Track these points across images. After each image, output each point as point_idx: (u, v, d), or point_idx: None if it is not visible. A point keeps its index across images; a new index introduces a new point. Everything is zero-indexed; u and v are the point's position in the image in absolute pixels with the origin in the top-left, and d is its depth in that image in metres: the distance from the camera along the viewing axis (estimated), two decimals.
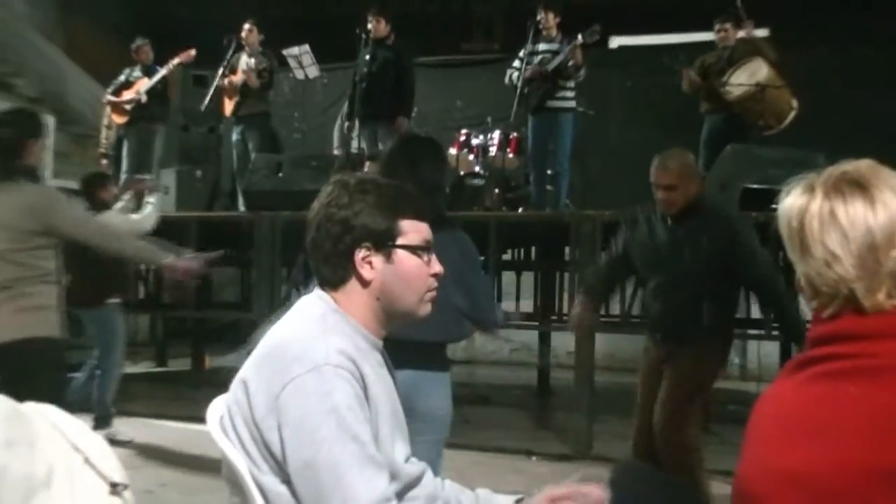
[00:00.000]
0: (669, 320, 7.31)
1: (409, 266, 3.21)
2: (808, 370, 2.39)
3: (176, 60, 15.04)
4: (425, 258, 3.23)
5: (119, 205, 11.14)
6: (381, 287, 3.22)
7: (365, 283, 3.22)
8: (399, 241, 3.20)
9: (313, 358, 3.02)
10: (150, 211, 10.91)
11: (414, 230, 3.22)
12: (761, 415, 2.46)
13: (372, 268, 3.20)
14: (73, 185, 16.92)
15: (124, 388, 11.26)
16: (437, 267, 3.25)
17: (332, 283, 3.26)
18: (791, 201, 2.40)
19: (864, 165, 2.40)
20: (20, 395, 6.27)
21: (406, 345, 3.98)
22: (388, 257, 3.20)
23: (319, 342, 3.07)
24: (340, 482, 2.91)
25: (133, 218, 10.89)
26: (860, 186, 2.35)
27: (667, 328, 7.37)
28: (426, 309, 3.28)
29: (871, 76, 14.79)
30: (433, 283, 3.25)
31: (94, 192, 10.97)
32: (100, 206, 10.73)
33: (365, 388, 3.07)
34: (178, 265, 7.15)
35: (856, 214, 2.32)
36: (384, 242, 3.20)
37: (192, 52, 15.12)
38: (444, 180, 6.64)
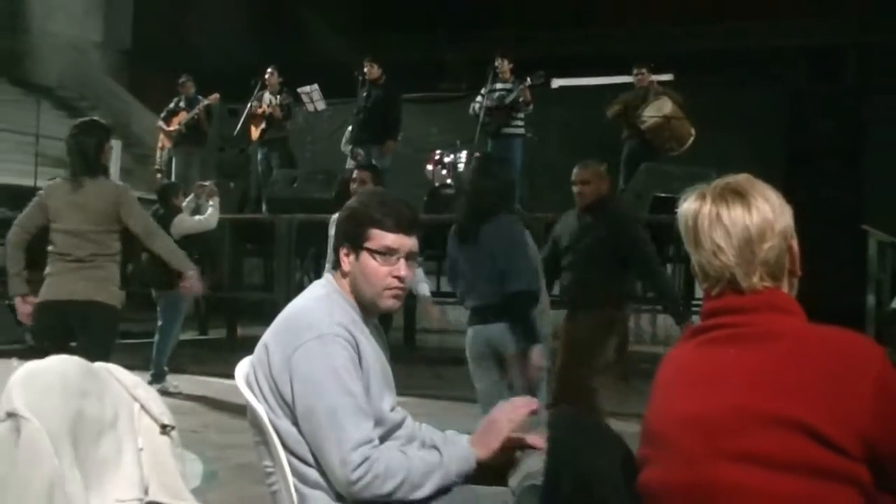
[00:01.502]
0: (573, 292, 7.38)
1: (368, 266, 3.22)
2: (701, 336, 2.41)
3: (205, 102, 15.12)
4: (385, 261, 3.22)
5: (187, 206, 11.16)
6: (352, 279, 3.26)
7: (345, 274, 3.28)
8: (365, 245, 3.22)
9: (318, 328, 3.09)
10: (212, 212, 10.95)
11: (378, 238, 3.21)
12: (664, 371, 2.48)
13: (348, 263, 3.25)
14: (139, 194, 17.02)
15: (175, 351, 11.25)
16: (401, 271, 3.23)
17: (335, 268, 3.32)
18: (687, 206, 2.41)
19: (742, 178, 2.42)
20: (80, 345, 6.33)
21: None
22: (357, 257, 3.23)
23: (324, 316, 3.15)
24: (336, 425, 2.97)
25: (199, 218, 10.95)
26: (740, 195, 2.36)
27: (571, 298, 7.44)
28: (388, 303, 3.27)
29: (748, 111, 14.89)
30: (393, 282, 3.22)
31: (168, 199, 11.08)
32: (172, 209, 10.84)
33: (358, 353, 3.12)
34: (187, 281, 7.35)
35: (736, 216, 2.33)
36: (355, 245, 3.23)
37: (217, 95, 15.27)
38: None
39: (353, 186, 8.12)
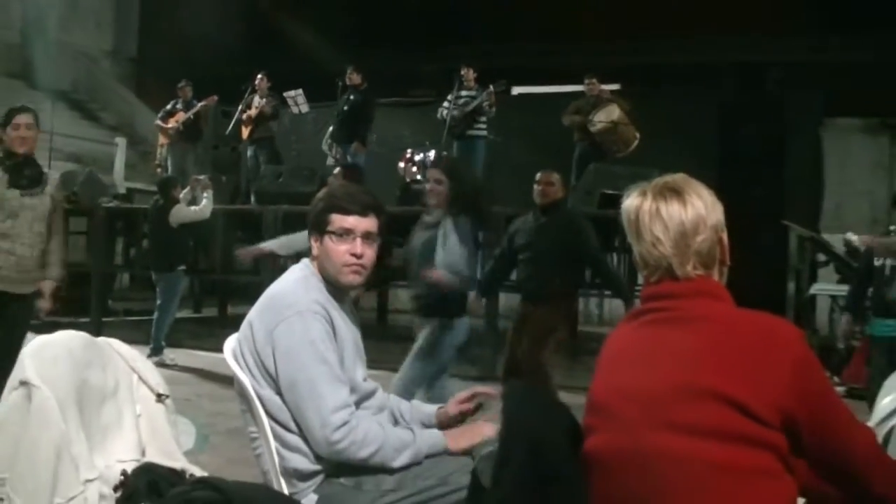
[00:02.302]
0: (533, 283, 7.39)
1: (329, 246, 3.24)
2: (641, 318, 2.41)
3: (204, 102, 14.99)
4: (343, 241, 3.23)
5: (184, 197, 11.09)
6: (319, 262, 3.28)
7: (314, 258, 3.30)
8: (327, 230, 3.24)
9: (297, 305, 3.12)
10: (207, 203, 10.90)
11: (338, 221, 3.24)
12: (608, 349, 2.48)
13: (316, 248, 3.28)
14: (141, 186, 16.97)
15: (172, 328, 11.22)
16: (357, 248, 3.23)
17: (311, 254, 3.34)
18: (630, 202, 2.41)
19: (679, 177, 2.41)
20: None
21: None
22: (321, 241, 3.25)
23: (302, 294, 3.17)
24: (315, 392, 2.98)
25: (195, 209, 10.89)
26: (677, 192, 2.36)
27: (531, 288, 7.45)
28: (348, 279, 3.27)
29: (684, 118, 14.97)
30: (350, 259, 3.23)
31: (168, 191, 11.06)
32: (171, 200, 10.83)
33: (333, 327, 3.13)
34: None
35: (673, 211, 2.32)
36: (320, 231, 3.26)
37: (215, 97, 15.15)
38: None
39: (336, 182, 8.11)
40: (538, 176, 7.47)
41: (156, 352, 10.63)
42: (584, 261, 7.55)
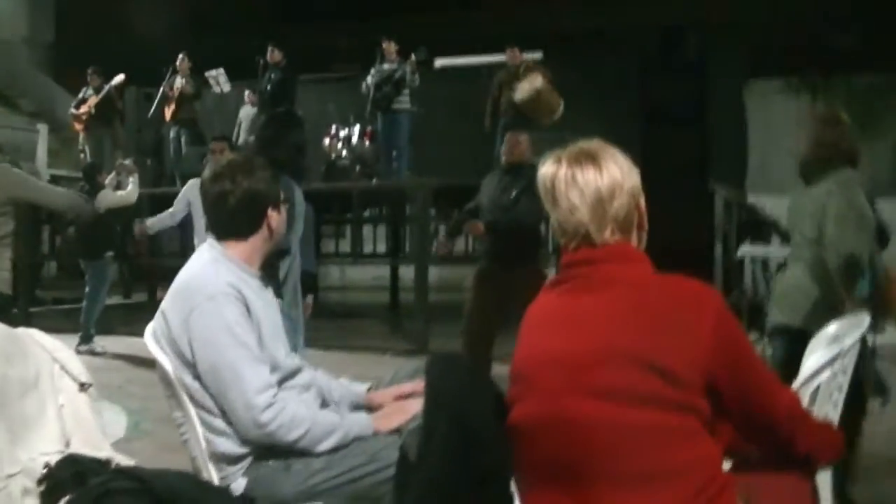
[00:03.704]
0: (505, 249, 7.10)
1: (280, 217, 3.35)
2: (561, 286, 2.41)
3: (113, 83, 14.69)
4: None
5: (110, 182, 10.92)
6: (275, 233, 3.33)
7: (267, 233, 3.31)
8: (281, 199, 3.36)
9: (208, 290, 3.07)
10: (132, 188, 10.69)
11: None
12: (530, 317, 2.48)
13: (275, 218, 3.31)
14: (65, 173, 16.70)
15: (103, 314, 11.07)
16: None
17: (215, 232, 3.34)
18: (545, 169, 2.39)
19: (595, 144, 2.40)
20: None
21: None
22: (278, 211, 3.33)
23: (212, 277, 3.11)
24: (236, 375, 2.95)
25: (121, 193, 10.71)
26: (592, 158, 2.35)
27: (504, 255, 7.12)
28: None
29: (605, 83, 15.04)
30: None
31: (93, 177, 10.97)
32: (97, 186, 10.67)
33: (248, 307, 3.08)
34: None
35: (589, 178, 2.32)
36: (278, 200, 3.35)
37: (123, 76, 14.77)
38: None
39: (213, 157, 8.07)
40: (507, 136, 7.54)
41: (85, 340, 10.51)
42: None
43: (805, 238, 4.56)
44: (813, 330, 3.58)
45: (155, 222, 9.47)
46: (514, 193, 7.09)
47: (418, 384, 3.18)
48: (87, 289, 10.90)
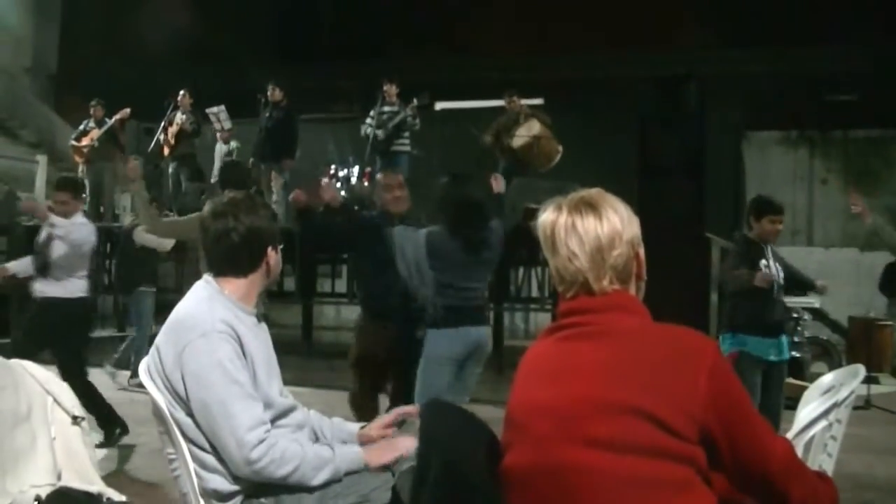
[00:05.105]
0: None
1: (277, 257, 3.39)
2: (557, 334, 2.41)
3: (117, 116, 14.82)
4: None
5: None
6: (272, 273, 3.38)
7: (265, 273, 3.36)
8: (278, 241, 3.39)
9: (202, 327, 3.08)
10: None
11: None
12: (525, 363, 2.48)
13: (272, 257, 3.37)
14: None
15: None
16: None
17: (213, 270, 3.36)
18: (545, 216, 2.40)
19: (595, 192, 2.42)
20: None
21: None
22: (276, 250, 3.38)
23: (206, 315, 3.13)
24: (227, 412, 2.95)
25: (158, 239, 10.57)
26: (592, 206, 2.36)
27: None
28: None
29: (604, 133, 15.09)
30: None
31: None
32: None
33: (241, 345, 3.09)
34: None
35: (589, 226, 2.33)
36: (276, 241, 3.39)
37: (128, 110, 14.94)
38: None
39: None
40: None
41: (134, 374, 10.37)
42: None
43: None
44: None
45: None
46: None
47: (404, 409, 3.22)
48: (130, 322, 11.25)
